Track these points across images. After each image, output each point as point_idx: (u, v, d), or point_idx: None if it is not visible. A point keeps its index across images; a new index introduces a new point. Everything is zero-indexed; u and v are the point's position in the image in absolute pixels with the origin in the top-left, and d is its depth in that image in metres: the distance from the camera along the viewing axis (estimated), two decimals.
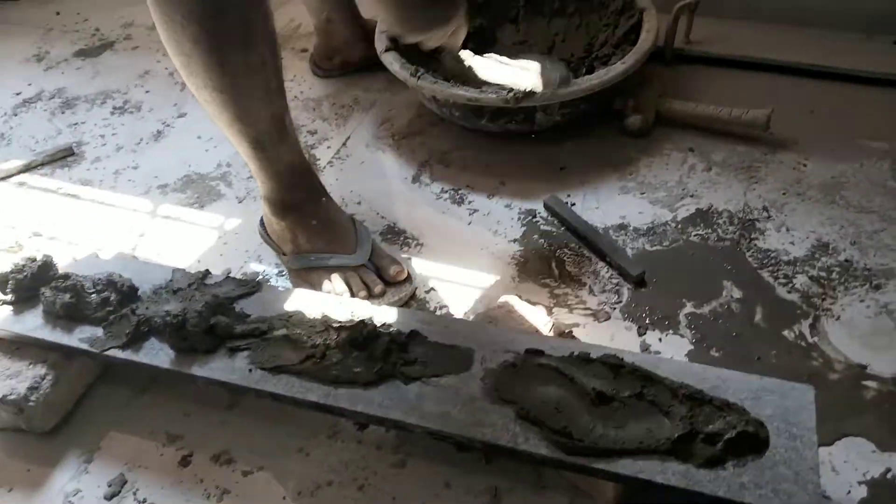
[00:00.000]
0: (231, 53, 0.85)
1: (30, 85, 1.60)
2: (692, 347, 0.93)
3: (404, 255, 1.11)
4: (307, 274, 1.05)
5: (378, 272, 1.04)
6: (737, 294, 1.00)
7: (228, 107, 0.90)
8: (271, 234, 1.09)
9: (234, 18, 0.83)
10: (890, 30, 1.41)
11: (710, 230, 1.09)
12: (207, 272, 0.98)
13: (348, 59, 1.50)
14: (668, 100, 1.29)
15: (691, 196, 1.15)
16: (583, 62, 1.34)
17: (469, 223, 1.16)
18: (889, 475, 0.79)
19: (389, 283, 1.03)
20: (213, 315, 0.88)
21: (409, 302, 1.04)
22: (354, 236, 1.05)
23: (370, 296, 1.01)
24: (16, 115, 1.52)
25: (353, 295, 1.01)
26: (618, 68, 1.18)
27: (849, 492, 0.78)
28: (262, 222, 1.11)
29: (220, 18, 0.83)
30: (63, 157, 1.38)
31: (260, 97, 0.91)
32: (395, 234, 1.15)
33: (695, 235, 1.09)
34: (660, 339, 0.95)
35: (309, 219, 1.04)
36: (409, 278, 1.04)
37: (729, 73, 1.40)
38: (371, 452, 0.86)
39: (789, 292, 0.99)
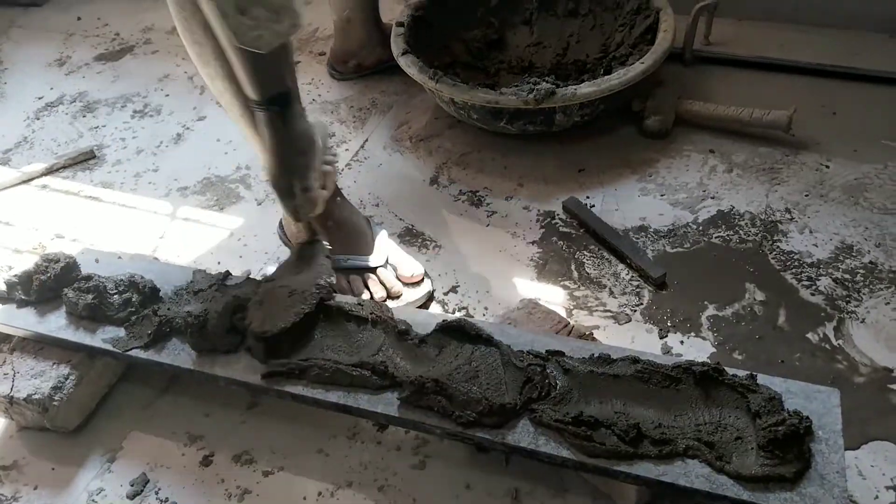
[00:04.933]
0: None
1: (52, 89, 1.62)
2: (714, 350, 0.92)
3: (423, 257, 1.11)
4: None
5: (395, 273, 1.04)
6: (759, 296, 0.99)
7: (239, 96, 0.91)
8: (289, 235, 1.09)
9: None
10: None
11: (731, 232, 1.08)
12: (228, 273, 0.98)
13: (364, 62, 1.51)
14: (688, 101, 1.28)
15: (712, 198, 1.14)
16: (599, 63, 1.33)
17: (487, 225, 1.15)
18: None
19: (406, 283, 1.04)
20: (233, 316, 0.89)
21: (427, 303, 1.04)
22: (371, 237, 1.06)
23: (388, 297, 1.01)
24: (38, 118, 1.53)
25: (371, 296, 1.01)
26: (637, 68, 1.17)
27: (876, 497, 0.77)
28: (280, 224, 1.12)
29: None
30: (84, 160, 1.40)
31: None
32: (413, 235, 1.15)
33: (716, 237, 1.08)
34: (681, 342, 0.94)
35: (325, 219, 1.04)
36: (425, 279, 1.04)
37: (749, 74, 1.39)
38: (391, 453, 0.86)
39: (813, 295, 0.98)
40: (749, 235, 1.08)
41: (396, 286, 1.02)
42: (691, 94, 1.31)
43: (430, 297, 1.04)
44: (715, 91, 1.35)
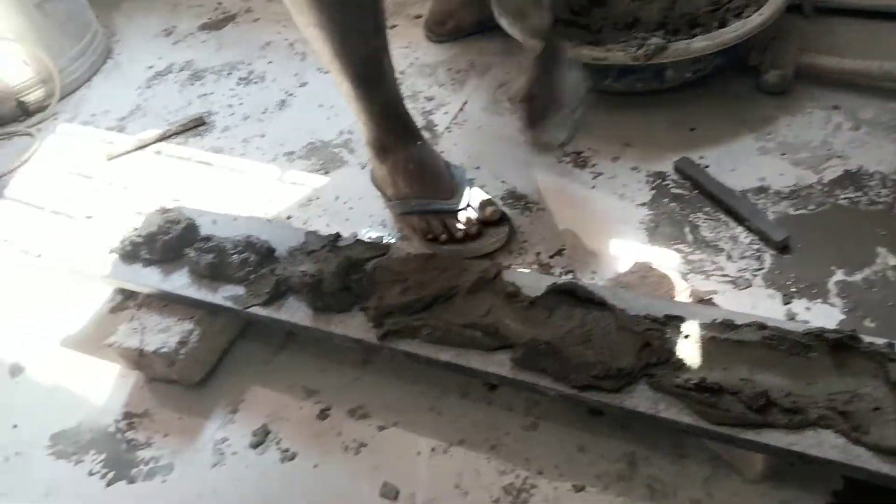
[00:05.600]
0: None
1: (160, 59, 1.68)
2: (844, 317, 0.88)
3: (526, 220, 1.10)
4: (409, 218, 1.08)
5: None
6: (892, 261, 0.93)
7: (328, 43, 0.95)
8: (376, 179, 1.13)
9: None
10: None
11: (860, 193, 1.02)
12: (338, 235, 1.00)
13: (461, 23, 1.49)
14: (810, 54, 1.20)
15: (838, 157, 1.07)
16: (712, 15, 1.26)
17: (593, 187, 1.13)
18: None
19: (486, 223, 1.05)
20: (346, 275, 0.91)
21: (507, 243, 1.04)
22: (451, 180, 1.07)
23: (467, 237, 1.03)
24: (149, 87, 1.60)
25: (451, 237, 1.03)
26: (755, 20, 1.10)
27: None
28: (371, 172, 1.15)
29: None
30: (195, 126, 1.45)
31: (357, 35, 0.95)
32: (515, 199, 1.14)
33: (843, 198, 1.01)
34: (807, 308, 0.89)
35: (406, 162, 1.06)
36: (504, 218, 1.05)
37: (877, 24, 1.28)
38: (502, 413, 0.86)
39: None
40: (880, 197, 1.01)
41: (475, 227, 1.04)
42: (813, 47, 1.23)
43: (509, 237, 1.05)
44: (839, 43, 1.25)
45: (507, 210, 1.10)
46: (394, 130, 1.06)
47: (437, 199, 1.05)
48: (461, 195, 1.06)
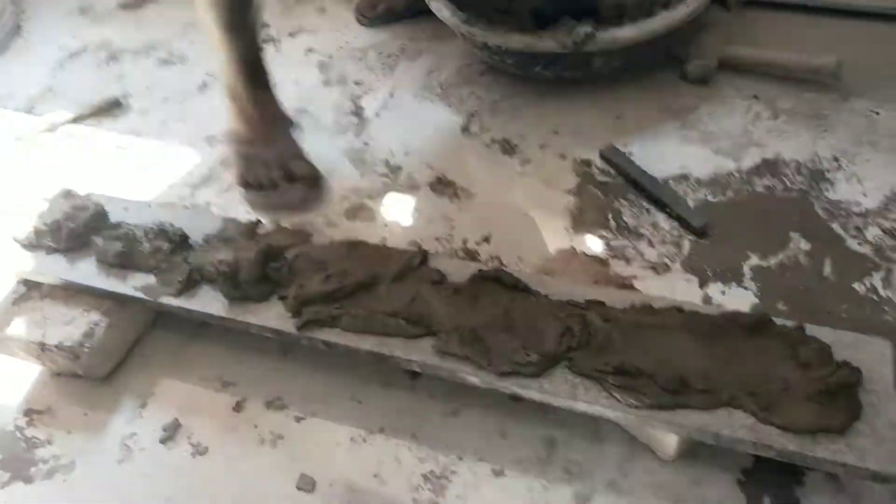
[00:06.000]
0: None
1: (74, 38, 1.60)
2: (757, 300, 0.90)
3: (454, 207, 1.08)
4: (233, 160, 1.06)
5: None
6: (805, 246, 0.95)
7: None
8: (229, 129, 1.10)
9: None
10: None
11: (776, 180, 1.04)
12: (259, 222, 0.97)
13: (393, 7, 1.46)
14: (732, 46, 1.22)
15: (756, 145, 1.10)
16: (640, 6, 1.27)
17: (521, 174, 1.12)
18: None
19: (298, 179, 1.02)
20: (265, 264, 0.87)
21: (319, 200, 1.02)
22: (284, 131, 1.06)
23: (274, 187, 1.01)
24: (62, 67, 1.51)
25: (262, 185, 1.02)
26: (681, 11, 1.12)
27: None
28: None
29: None
30: (110, 108, 1.38)
31: None
32: (444, 185, 1.12)
33: (760, 186, 1.04)
34: (723, 292, 0.91)
35: (247, 103, 1.04)
36: (320, 178, 1.03)
37: (796, 17, 1.32)
38: (424, 401, 0.85)
39: (860, 244, 0.95)
40: (794, 184, 1.03)
41: (280, 175, 1.01)
42: (735, 39, 1.26)
43: (323, 196, 1.03)
44: (759, 35, 1.29)
45: (434, 196, 1.08)
46: (247, 75, 1.04)
47: (260, 145, 1.04)
48: (286, 147, 1.04)
